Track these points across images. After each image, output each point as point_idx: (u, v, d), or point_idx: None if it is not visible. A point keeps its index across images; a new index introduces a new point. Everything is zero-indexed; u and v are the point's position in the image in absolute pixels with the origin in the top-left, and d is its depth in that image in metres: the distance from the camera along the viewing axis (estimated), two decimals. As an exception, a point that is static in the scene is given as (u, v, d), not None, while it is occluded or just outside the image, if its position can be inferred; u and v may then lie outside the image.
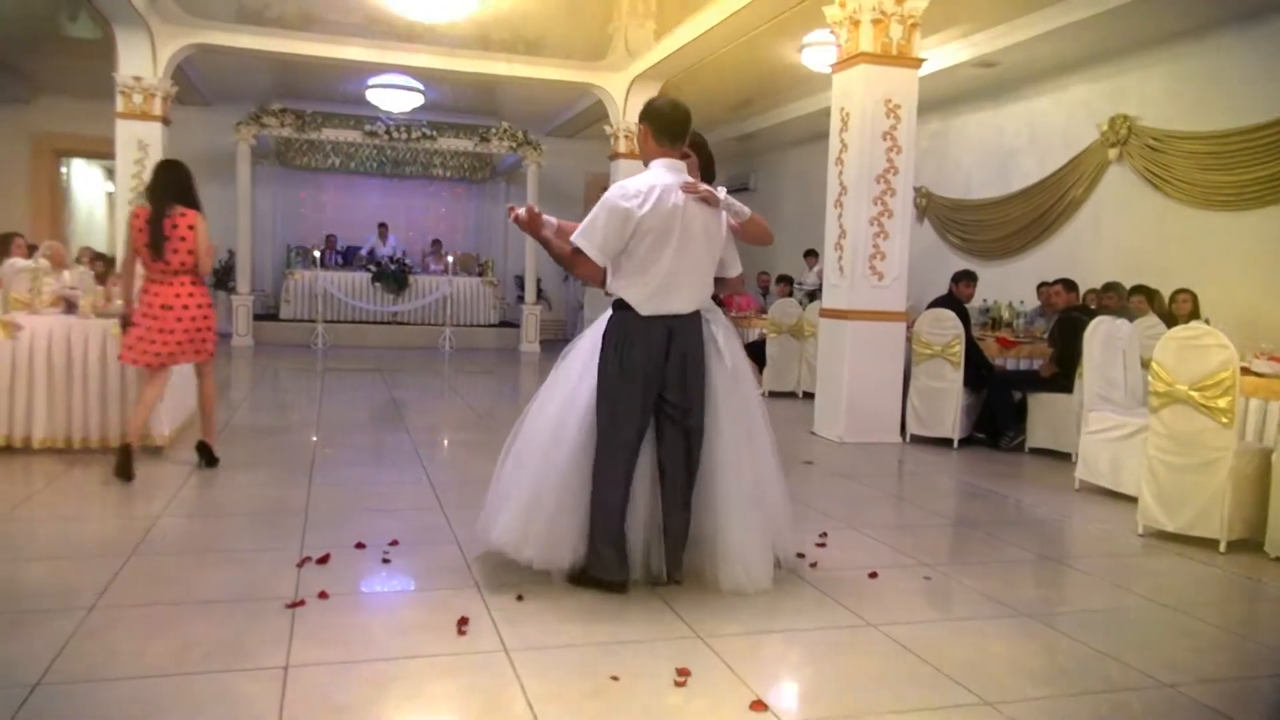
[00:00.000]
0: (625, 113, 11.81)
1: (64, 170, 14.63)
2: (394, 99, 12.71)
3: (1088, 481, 5.48)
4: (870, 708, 2.60)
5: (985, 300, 8.79)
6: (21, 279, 6.58)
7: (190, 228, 4.93)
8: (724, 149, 15.43)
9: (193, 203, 5.03)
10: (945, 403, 6.92)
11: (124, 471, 4.76)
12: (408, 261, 14.26)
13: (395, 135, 13.35)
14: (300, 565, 3.58)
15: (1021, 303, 8.59)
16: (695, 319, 3.43)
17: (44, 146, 13.72)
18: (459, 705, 2.56)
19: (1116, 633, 3.25)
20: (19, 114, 13.29)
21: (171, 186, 4.97)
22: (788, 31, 8.87)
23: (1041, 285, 8.37)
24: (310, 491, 4.80)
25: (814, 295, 11.38)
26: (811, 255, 12.81)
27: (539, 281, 14.62)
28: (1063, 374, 6.48)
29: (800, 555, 3.92)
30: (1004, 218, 9.85)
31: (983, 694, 2.68)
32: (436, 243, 15.04)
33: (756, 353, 9.84)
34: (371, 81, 12.45)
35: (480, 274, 14.61)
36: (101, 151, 12.71)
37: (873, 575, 3.75)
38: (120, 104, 10.17)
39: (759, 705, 2.55)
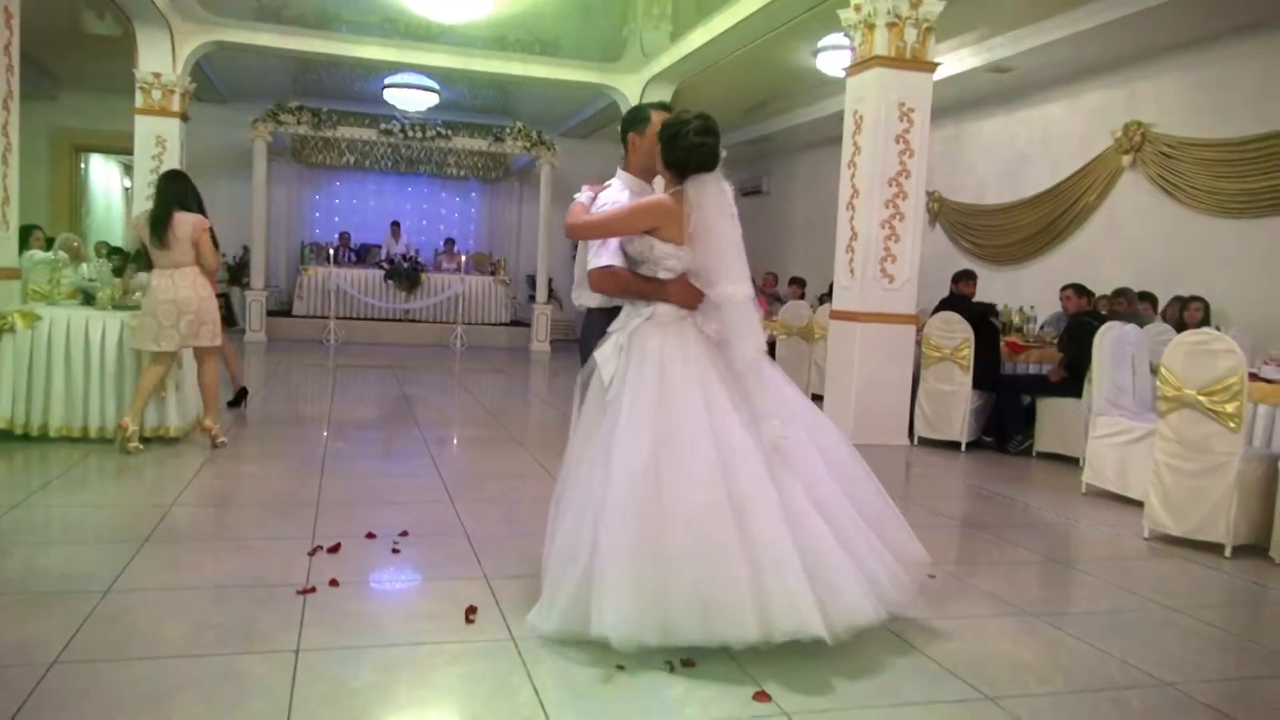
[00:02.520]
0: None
1: (82, 165, 14.75)
2: (410, 98, 12.81)
3: (1095, 486, 5.48)
4: (872, 701, 2.63)
5: (996, 305, 8.78)
6: (40, 271, 6.67)
7: None
8: (737, 152, 15.47)
9: None
10: (954, 406, 6.93)
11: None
12: (420, 260, 14.33)
13: (410, 134, 13.43)
14: (312, 554, 3.63)
15: (1032, 308, 8.58)
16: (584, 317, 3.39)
17: (63, 142, 13.86)
18: (467, 691, 2.59)
19: (1120, 633, 3.27)
20: (40, 109, 13.40)
21: None
22: (802, 35, 8.90)
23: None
24: (322, 483, 4.85)
25: None
26: None
27: (550, 281, 14.70)
28: (1072, 379, 6.48)
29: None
30: (1016, 223, 9.84)
31: (984, 689, 2.70)
32: (449, 241, 15.12)
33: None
34: (388, 81, 12.55)
35: (493, 273, 14.67)
36: (119, 147, 12.85)
37: (878, 573, 3.77)
38: (139, 100, 10.28)
39: (762, 696, 2.58)
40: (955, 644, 3.06)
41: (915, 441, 7.09)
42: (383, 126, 13.38)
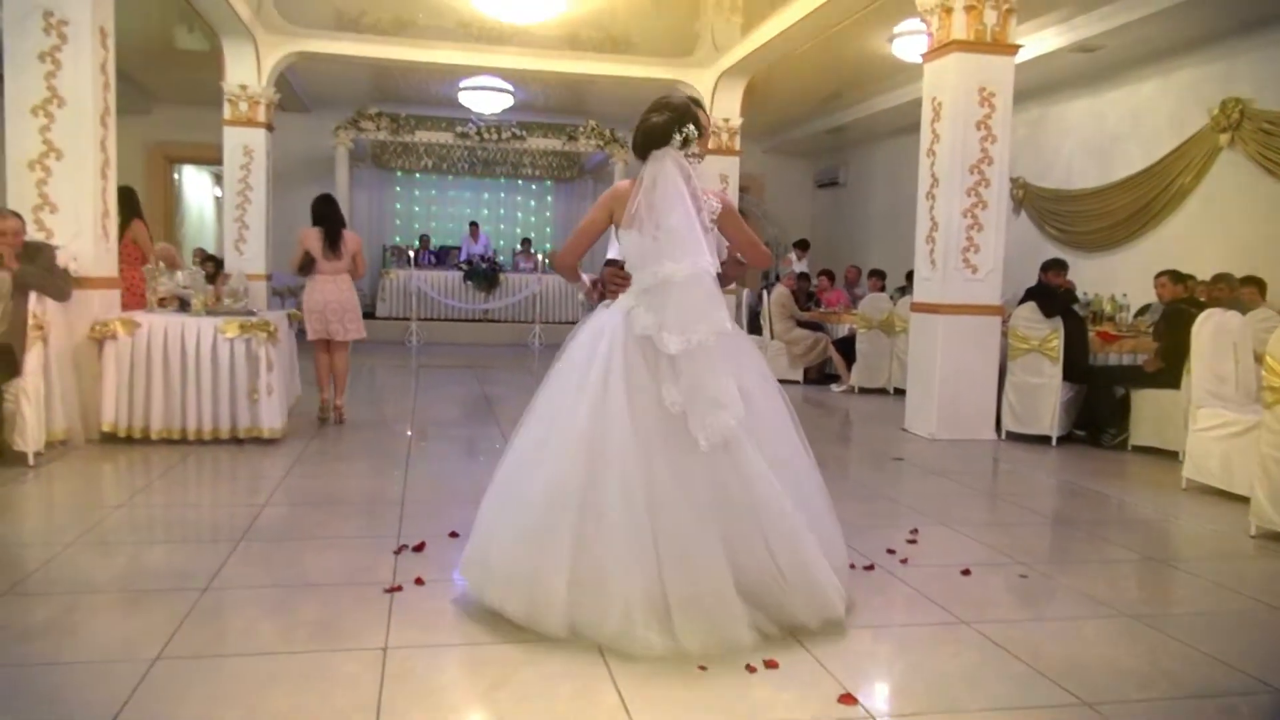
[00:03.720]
0: (712, 109, 11.80)
1: (176, 176, 15.34)
2: (485, 100, 12.97)
3: (1196, 481, 5.24)
4: (962, 705, 2.56)
5: (1086, 293, 8.49)
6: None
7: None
8: (814, 142, 15.31)
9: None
10: (1043, 399, 6.71)
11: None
12: (498, 260, 14.51)
13: (486, 136, 13.62)
14: (397, 553, 3.70)
15: (1124, 295, 8.26)
16: None
17: (157, 154, 14.42)
18: (552, 691, 2.60)
19: (1226, 636, 3.12)
20: (135, 124, 13.95)
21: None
22: (877, 21, 8.73)
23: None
24: (406, 482, 4.94)
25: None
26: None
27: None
28: (1168, 369, 6.22)
29: (890, 551, 3.88)
30: (1106, 208, 9.50)
31: (1080, 694, 2.60)
32: (526, 241, 15.28)
33: (846, 348, 9.73)
34: (463, 84, 12.73)
35: (569, 271, 14.77)
36: (209, 158, 13.24)
37: (965, 572, 3.68)
38: (227, 111, 10.62)
39: (848, 698, 2.53)
40: (1049, 646, 2.96)
41: (1002, 436, 6.89)
42: (459, 130, 13.59)
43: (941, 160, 6.82)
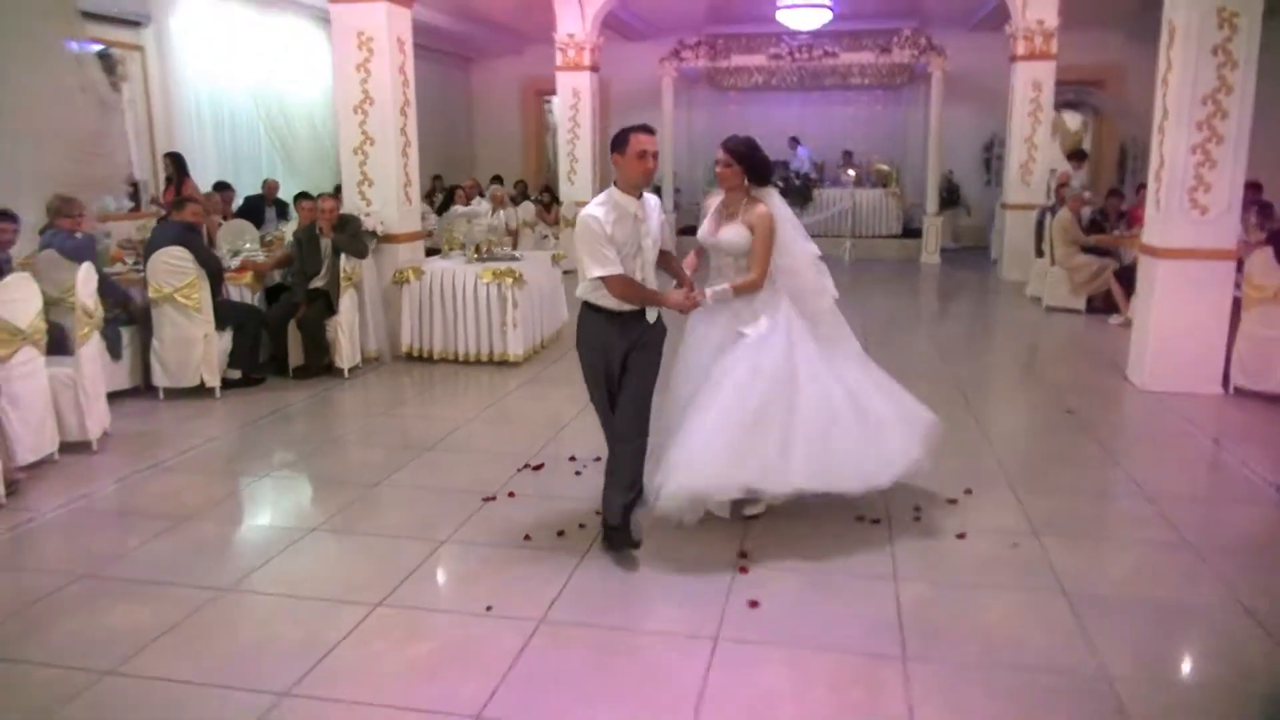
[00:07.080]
0: (1025, 10, 11.17)
1: (547, 107, 17.61)
2: (802, 18, 13.28)
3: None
4: (792, 641, 3.19)
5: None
6: (458, 224, 8.82)
7: None
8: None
9: None
10: (1277, 353, 6.14)
11: None
12: (813, 175, 14.96)
13: (798, 56, 13.97)
14: (520, 470, 4.93)
15: None
16: None
17: (529, 89, 16.74)
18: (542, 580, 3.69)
19: (1138, 629, 3.29)
20: (510, 64, 16.38)
21: None
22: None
23: None
24: (585, 409, 6.11)
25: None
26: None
27: (956, 188, 14.50)
28: None
29: (916, 508, 4.32)
30: None
31: (909, 649, 3.12)
32: (847, 154, 15.47)
33: (1130, 277, 9.09)
34: (780, 3, 13.14)
35: (883, 186, 14.83)
36: (565, 91, 15.24)
37: (960, 536, 4.05)
38: (559, 59, 12.29)
39: (743, 569, 3.30)
40: (941, 610, 3.40)
41: (1230, 391, 6.41)
42: (771, 52, 14.07)
43: (1173, 90, 6.31)
